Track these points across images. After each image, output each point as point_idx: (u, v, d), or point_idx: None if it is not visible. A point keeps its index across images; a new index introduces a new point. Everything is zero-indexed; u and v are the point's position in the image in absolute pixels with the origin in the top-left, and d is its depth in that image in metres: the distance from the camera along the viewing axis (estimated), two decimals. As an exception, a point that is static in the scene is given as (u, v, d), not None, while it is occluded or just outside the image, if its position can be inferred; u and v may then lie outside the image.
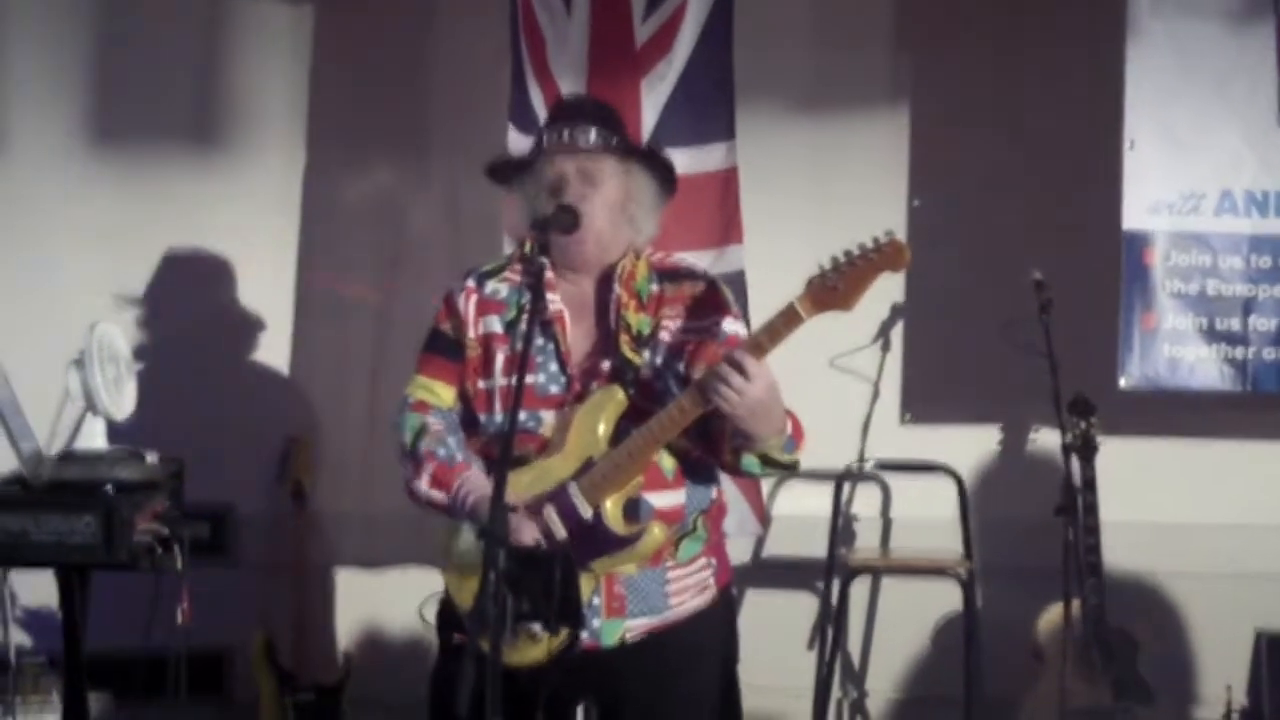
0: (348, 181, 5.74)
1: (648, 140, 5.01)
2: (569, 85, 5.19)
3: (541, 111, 5.15)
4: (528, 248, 3.60)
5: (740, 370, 3.34)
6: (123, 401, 4.70)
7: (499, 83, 5.31)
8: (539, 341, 3.57)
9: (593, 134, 3.61)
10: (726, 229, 5.28)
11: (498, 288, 3.68)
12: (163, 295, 5.62)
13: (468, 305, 3.67)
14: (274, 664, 5.45)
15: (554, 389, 3.58)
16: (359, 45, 5.70)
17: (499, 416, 3.60)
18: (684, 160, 5.20)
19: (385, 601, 5.74)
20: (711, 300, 3.64)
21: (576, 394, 3.57)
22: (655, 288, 3.63)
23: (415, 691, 5.59)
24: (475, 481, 3.56)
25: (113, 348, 4.70)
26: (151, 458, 4.54)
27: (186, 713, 5.13)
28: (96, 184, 5.61)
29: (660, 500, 3.55)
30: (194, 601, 4.45)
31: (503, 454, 3.25)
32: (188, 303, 5.66)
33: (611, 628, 3.57)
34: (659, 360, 3.57)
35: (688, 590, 3.64)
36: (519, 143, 5.12)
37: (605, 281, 3.65)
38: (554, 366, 3.59)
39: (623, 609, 3.57)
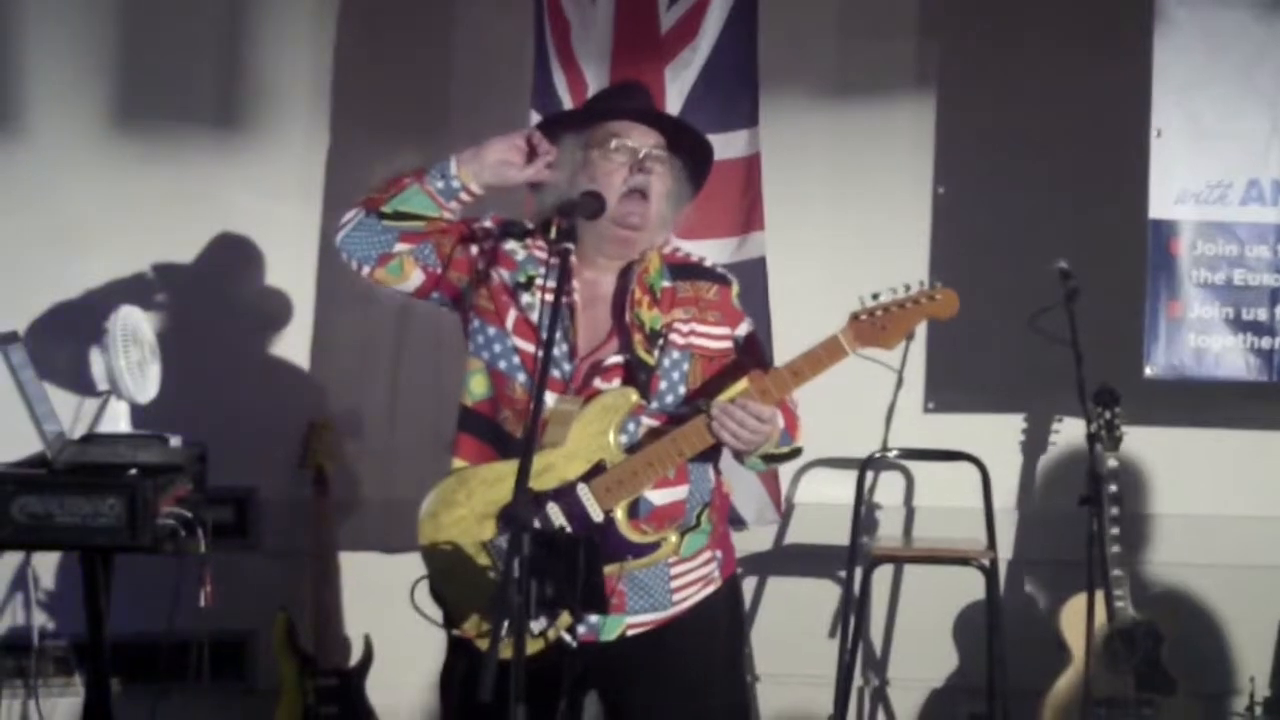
0: (370, 165, 5.71)
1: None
2: (593, 71, 5.19)
3: (565, 96, 5.16)
4: (553, 232, 3.56)
5: (757, 417, 3.42)
6: (146, 385, 4.72)
7: (522, 68, 5.31)
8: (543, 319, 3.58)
9: (666, 119, 3.65)
10: (749, 216, 5.27)
11: (515, 247, 3.67)
12: (186, 279, 5.61)
13: (483, 244, 3.67)
14: (295, 648, 5.45)
15: (557, 374, 3.57)
16: (382, 29, 5.69)
17: (497, 346, 3.60)
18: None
19: (406, 586, 5.71)
20: (723, 306, 3.65)
21: (579, 383, 3.57)
22: (667, 283, 3.63)
23: (436, 676, 5.63)
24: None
25: (136, 331, 4.72)
26: (175, 441, 4.55)
27: (208, 696, 5.14)
28: (119, 167, 5.60)
29: (661, 497, 3.56)
30: (216, 585, 4.46)
31: (526, 447, 3.24)
32: (211, 286, 5.65)
33: (612, 623, 3.58)
34: (666, 360, 3.57)
35: (692, 585, 3.65)
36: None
37: (624, 274, 3.65)
38: (561, 352, 3.58)
39: (622, 605, 3.58)
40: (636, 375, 3.53)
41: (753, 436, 3.43)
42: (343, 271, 5.64)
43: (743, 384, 3.46)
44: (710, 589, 3.67)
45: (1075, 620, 5.11)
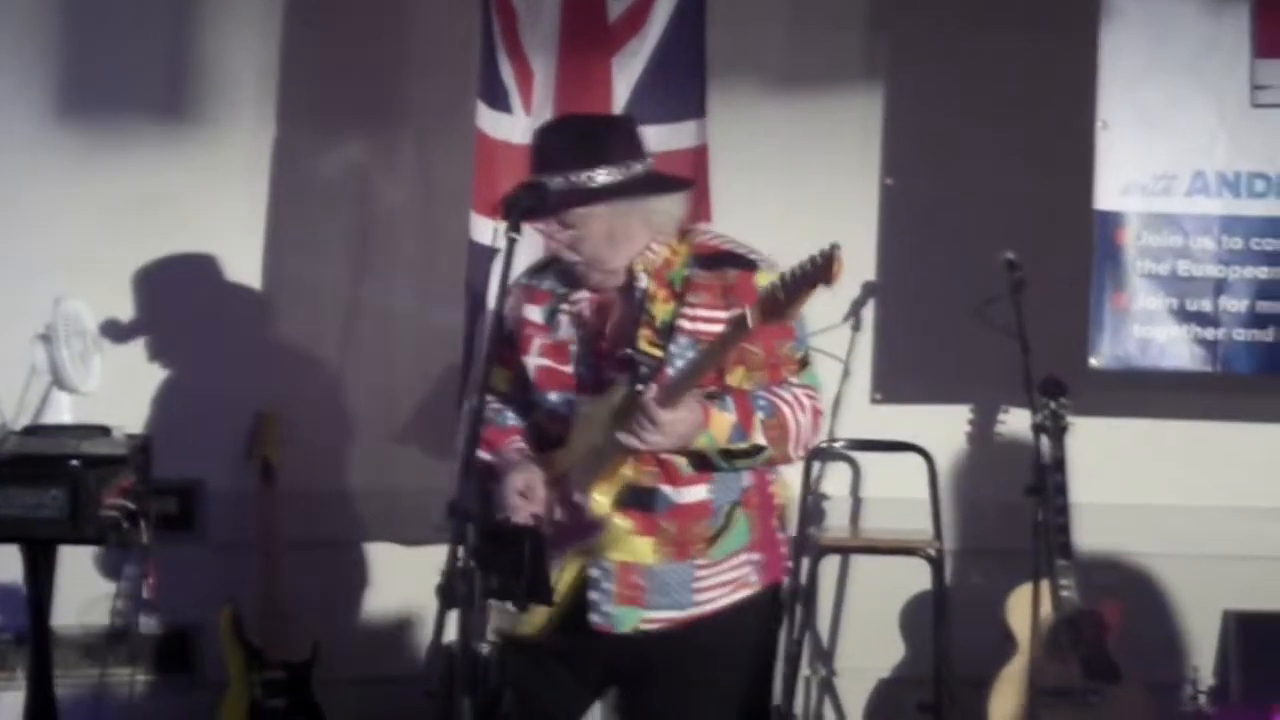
0: (318, 155, 5.70)
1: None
2: (540, 62, 5.18)
3: (512, 87, 5.15)
4: (505, 228, 3.51)
5: (652, 421, 3.38)
6: (89, 376, 4.70)
7: (470, 57, 5.29)
8: (570, 333, 3.63)
9: (567, 184, 3.51)
10: (696, 207, 5.22)
11: (542, 278, 3.72)
12: (130, 269, 5.58)
13: (517, 299, 3.70)
14: (242, 641, 5.43)
15: (569, 370, 3.62)
16: (330, 18, 5.65)
17: (536, 395, 3.66)
18: (655, 138, 5.15)
19: (354, 578, 5.73)
20: (740, 289, 3.52)
21: (593, 380, 3.60)
22: (688, 273, 3.57)
23: (384, 668, 5.62)
24: (522, 443, 3.66)
25: (79, 322, 4.70)
26: (118, 432, 4.52)
27: (153, 688, 5.12)
28: (63, 157, 5.55)
29: (681, 496, 3.55)
30: (161, 578, 4.44)
31: (471, 433, 3.24)
32: (156, 277, 5.62)
33: (626, 615, 3.56)
34: (673, 348, 3.51)
35: (722, 586, 3.60)
36: (489, 118, 5.11)
37: (631, 275, 3.61)
38: (586, 355, 3.61)
39: (639, 599, 3.56)
40: (636, 368, 3.51)
41: (656, 439, 3.40)
42: (290, 261, 5.71)
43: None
44: (744, 593, 3.62)
45: (1021, 610, 5.13)
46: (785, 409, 3.52)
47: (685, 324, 3.53)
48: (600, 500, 3.49)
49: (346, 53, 5.65)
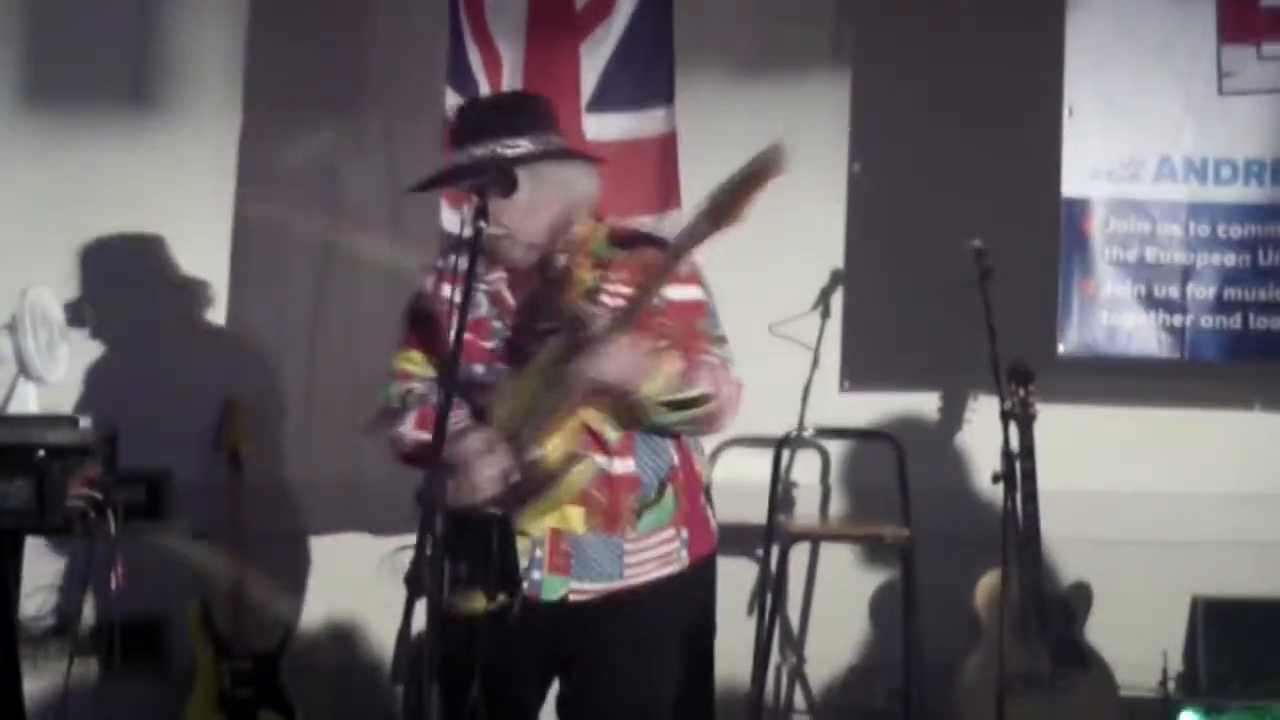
0: (285, 143, 5.69)
1: (587, 101, 5.07)
2: (508, 49, 5.18)
3: (480, 74, 5.15)
4: (470, 212, 3.54)
5: (609, 345, 3.38)
6: (55, 365, 4.68)
7: (438, 44, 5.28)
8: (488, 309, 3.64)
9: (478, 155, 3.58)
10: (665, 194, 5.27)
11: (457, 261, 3.68)
12: (97, 258, 5.56)
13: (434, 283, 3.74)
14: (211, 631, 5.41)
15: (491, 345, 3.63)
16: (296, 6, 5.64)
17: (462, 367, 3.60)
18: (623, 125, 5.22)
19: (322, 568, 5.71)
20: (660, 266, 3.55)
21: (514, 351, 3.59)
22: (608, 253, 3.62)
23: (352, 658, 5.62)
24: (459, 417, 3.60)
25: (45, 312, 4.68)
26: (85, 422, 4.50)
27: (121, 679, 5.09)
28: (29, 146, 5.54)
29: (611, 466, 3.56)
30: (129, 568, 4.41)
31: (439, 422, 3.23)
32: (123, 266, 5.60)
33: (553, 584, 3.57)
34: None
35: (649, 561, 3.62)
36: (457, 105, 5.10)
37: (545, 256, 3.63)
38: (505, 330, 3.63)
39: (566, 568, 3.57)
40: (574, 326, 3.50)
41: (612, 365, 3.39)
42: (257, 250, 5.69)
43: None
44: (671, 569, 3.64)
45: (990, 597, 5.15)
46: (716, 369, 3.55)
47: (607, 299, 3.54)
48: (555, 447, 3.48)
49: (313, 40, 5.64)
